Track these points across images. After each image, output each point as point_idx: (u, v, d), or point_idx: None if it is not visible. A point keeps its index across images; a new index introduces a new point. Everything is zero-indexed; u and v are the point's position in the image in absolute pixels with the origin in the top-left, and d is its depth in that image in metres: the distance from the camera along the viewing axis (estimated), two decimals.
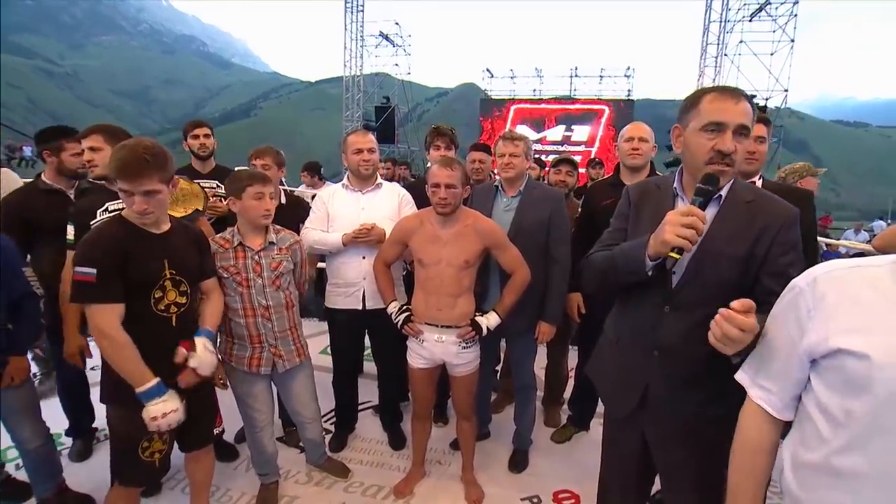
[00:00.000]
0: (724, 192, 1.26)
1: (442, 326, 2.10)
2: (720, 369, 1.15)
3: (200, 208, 2.33)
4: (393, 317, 2.18)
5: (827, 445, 0.83)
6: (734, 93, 1.20)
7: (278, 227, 2.12)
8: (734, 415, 1.19)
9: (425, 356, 2.15)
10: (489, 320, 2.11)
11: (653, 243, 1.19)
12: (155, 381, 1.55)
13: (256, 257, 1.98)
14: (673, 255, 1.14)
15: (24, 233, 2.21)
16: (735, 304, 0.98)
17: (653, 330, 1.33)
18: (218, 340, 2.08)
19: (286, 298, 2.06)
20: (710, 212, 1.25)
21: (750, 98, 1.21)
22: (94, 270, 1.46)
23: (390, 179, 3.36)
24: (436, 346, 2.12)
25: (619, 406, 1.45)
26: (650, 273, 1.24)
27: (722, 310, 0.99)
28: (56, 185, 2.32)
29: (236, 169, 2.35)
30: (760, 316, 1.03)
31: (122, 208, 1.99)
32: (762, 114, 2.03)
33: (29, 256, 2.34)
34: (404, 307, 2.18)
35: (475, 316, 2.12)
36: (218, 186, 2.79)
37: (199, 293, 1.80)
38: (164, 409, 1.55)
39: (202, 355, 1.65)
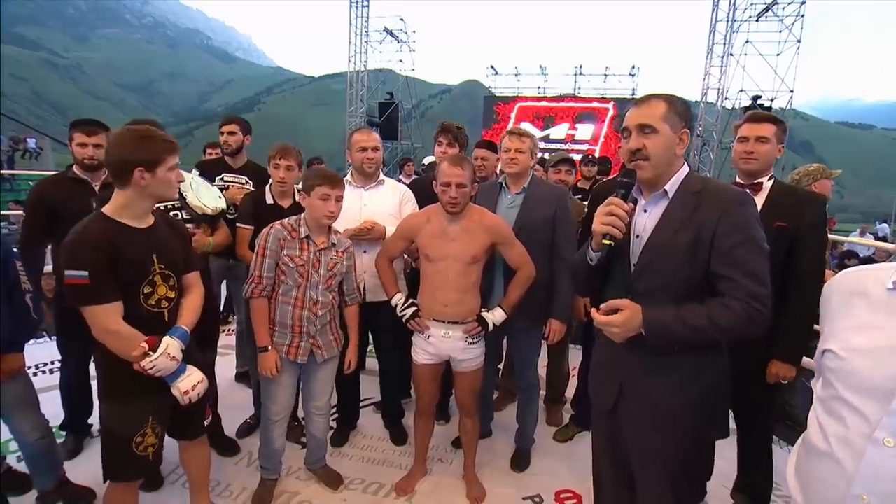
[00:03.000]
0: (669, 188, 1.34)
1: (448, 322, 2.09)
2: (684, 353, 1.31)
3: (225, 209, 2.36)
4: (398, 309, 2.16)
5: (811, 428, 0.94)
6: (643, 98, 1.36)
7: (336, 228, 2.16)
8: (709, 399, 1.35)
9: (431, 352, 2.14)
10: (495, 316, 2.11)
11: (593, 237, 1.39)
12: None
13: (318, 254, 2.03)
14: (605, 242, 1.32)
15: (46, 218, 2.26)
16: (603, 306, 1.29)
17: None
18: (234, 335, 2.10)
19: (332, 299, 2.11)
20: (661, 207, 1.36)
21: (665, 98, 1.32)
22: (85, 272, 1.43)
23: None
24: (442, 342, 2.11)
25: (603, 401, 1.52)
26: (592, 262, 1.41)
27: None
28: (82, 176, 2.34)
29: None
30: (707, 303, 1.23)
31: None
32: (768, 113, 2.01)
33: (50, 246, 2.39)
34: (410, 301, 2.17)
35: (481, 312, 2.12)
36: (247, 182, 2.81)
37: (184, 287, 1.76)
38: (193, 382, 1.62)
39: (159, 360, 1.52)
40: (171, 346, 1.56)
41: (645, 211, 1.39)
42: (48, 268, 2.48)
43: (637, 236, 1.39)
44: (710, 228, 1.26)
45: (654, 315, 1.25)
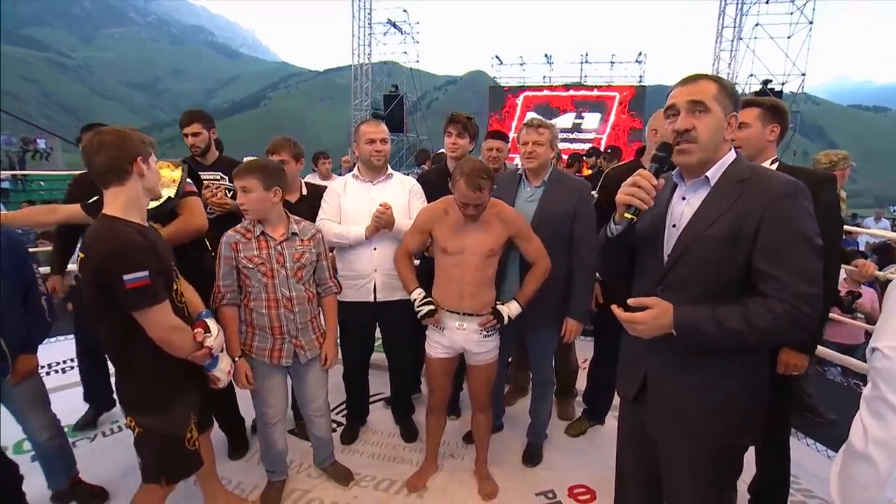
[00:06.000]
0: (711, 174, 1.25)
1: (464, 314, 2.07)
2: (714, 354, 1.22)
3: (172, 195, 2.14)
4: (416, 304, 2.12)
5: (854, 428, 0.88)
6: (691, 77, 1.26)
7: (298, 217, 2.08)
8: (735, 409, 1.27)
9: (445, 344, 2.12)
10: (510, 309, 2.08)
11: (617, 211, 1.30)
12: None
13: (279, 248, 1.96)
14: (627, 215, 1.24)
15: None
16: (631, 301, 1.21)
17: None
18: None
19: (307, 290, 2.03)
20: (702, 194, 1.27)
21: (715, 78, 1.24)
22: (146, 273, 1.41)
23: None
24: (457, 334, 2.09)
25: (627, 389, 1.47)
26: (610, 235, 1.34)
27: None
28: None
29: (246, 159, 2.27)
30: (745, 303, 1.14)
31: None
32: (748, 97, 1.93)
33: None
34: (428, 298, 2.11)
35: (496, 304, 2.09)
36: (222, 178, 2.71)
37: None
38: (228, 363, 1.74)
39: (219, 337, 1.67)
40: (214, 324, 1.67)
41: (683, 199, 1.30)
42: (44, 270, 2.49)
43: (673, 226, 1.30)
44: (753, 220, 1.16)
45: (686, 316, 1.17)
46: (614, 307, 1.24)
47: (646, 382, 1.38)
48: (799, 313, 1.10)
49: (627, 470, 1.57)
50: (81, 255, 1.45)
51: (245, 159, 3.17)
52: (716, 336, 1.14)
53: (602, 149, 6.78)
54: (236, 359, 1.95)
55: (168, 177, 2.18)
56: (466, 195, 1.90)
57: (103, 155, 1.44)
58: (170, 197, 2.10)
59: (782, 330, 1.12)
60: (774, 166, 1.83)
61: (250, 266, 1.92)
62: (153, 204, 2.07)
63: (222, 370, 1.69)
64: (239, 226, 1.99)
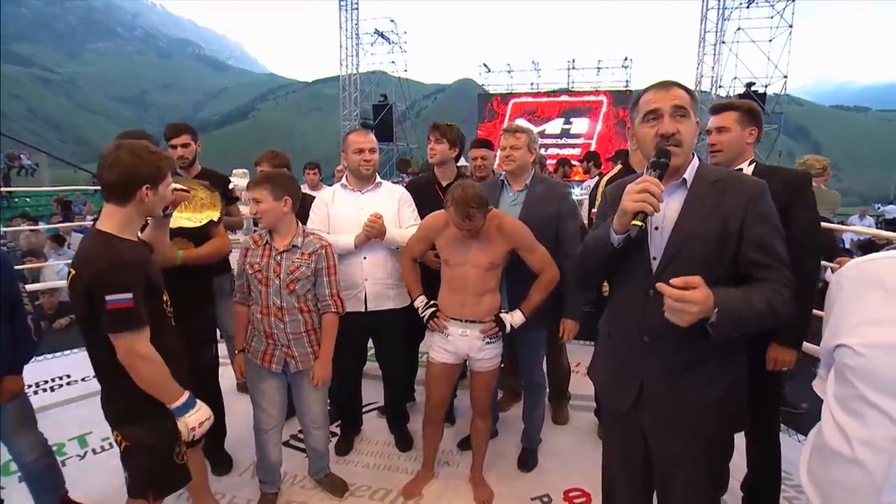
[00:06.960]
0: (688, 176, 1.31)
1: (467, 321, 2.09)
2: (712, 350, 1.24)
3: (216, 219, 2.23)
4: (419, 311, 2.19)
5: (828, 429, 0.89)
6: (665, 83, 1.31)
7: (310, 230, 2.12)
8: (732, 401, 1.33)
9: (450, 350, 2.14)
10: (513, 318, 2.10)
11: (616, 218, 1.27)
12: (187, 393, 1.55)
13: (278, 258, 2.01)
14: (636, 222, 1.19)
15: None
16: (674, 281, 1.11)
17: (641, 315, 1.34)
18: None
19: (300, 303, 2.03)
20: (679, 196, 1.31)
21: (685, 87, 1.30)
22: (129, 295, 1.39)
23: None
24: (460, 341, 2.11)
25: (617, 402, 1.46)
26: (616, 245, 1.30)
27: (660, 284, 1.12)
28: None
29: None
30: (756, 288, 1.19)
31: None
32: (727, 101, 2.02)
33: None
34: (431, 303, 2.18)
35: (500, 312, 2.11)
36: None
37: None
38: (201, 418, 1.58)
39: (198, 411, 1.59)
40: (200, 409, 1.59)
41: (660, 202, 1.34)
42: (39, 285, 2.46)
43: (656, 228, 1.33)
44: (737, 218, 1.24)
45: (726, 298, 1.12)
46: (660, 285, 1.13)
47: (641, 392, 1.38)
48: (791, 296, 1.20)
49: (616, 472, 1.58)
50: (73, 272, 1.43)
51: (234, 171, 3.18)
52: (749, 318, 1.15)
53: (593, 152, 6.92)
54: (237, 352, 2.14)
55: (208, 200, 2.24)
56: (457, 222, 1.94)
57: (113, 173, 1.44)
58: (212, 220, 2.19)
59: (789, 311, 1.20)
60: (752, 167, 1.88)
61: (250, 272, 2.02)
62: (191, 224, 2.13)
63: (185, 423, 1.54)
64: (256, 234, 2.08)
